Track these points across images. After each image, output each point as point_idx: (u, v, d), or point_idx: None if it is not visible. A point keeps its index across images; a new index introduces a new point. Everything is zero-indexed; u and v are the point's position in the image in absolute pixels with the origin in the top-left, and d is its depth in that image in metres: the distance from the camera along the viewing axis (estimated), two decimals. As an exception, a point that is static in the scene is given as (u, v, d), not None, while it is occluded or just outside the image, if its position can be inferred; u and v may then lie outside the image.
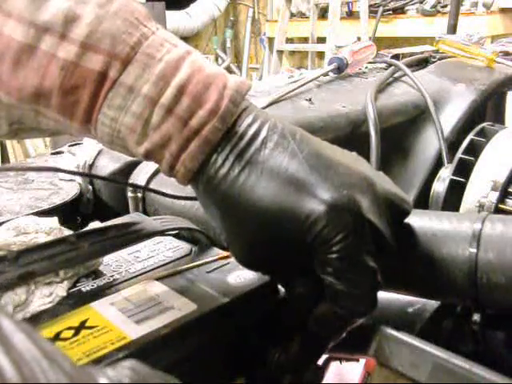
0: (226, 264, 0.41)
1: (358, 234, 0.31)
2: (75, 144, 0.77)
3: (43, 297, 0.36)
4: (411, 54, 1.12)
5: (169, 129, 0.32)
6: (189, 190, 0.45)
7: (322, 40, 3.13)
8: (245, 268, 0.36)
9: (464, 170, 0.62)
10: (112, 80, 0.32)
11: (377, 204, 0.33)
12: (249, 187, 0.32)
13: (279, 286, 0.40)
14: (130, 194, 0.60)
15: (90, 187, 0.66)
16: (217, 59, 4.43)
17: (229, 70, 4.48)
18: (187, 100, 0.32)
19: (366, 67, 1.03)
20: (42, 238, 0.39)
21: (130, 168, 0.63)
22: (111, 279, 0.40)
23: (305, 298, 0.35)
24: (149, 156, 0.34)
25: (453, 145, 0.77)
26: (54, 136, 0.39)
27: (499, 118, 1.03)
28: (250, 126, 0.33)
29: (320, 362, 0.39)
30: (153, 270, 0.41)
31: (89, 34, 0.31)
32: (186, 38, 4.47)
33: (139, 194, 0.59)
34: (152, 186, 0.58)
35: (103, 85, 0.32)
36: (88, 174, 0.66)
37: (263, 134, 0.33)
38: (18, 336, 0.16)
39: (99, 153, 0.67)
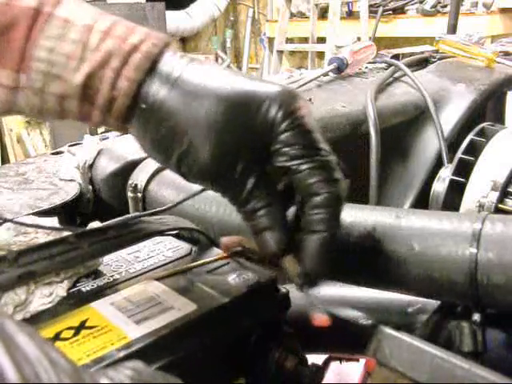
0: (225, 264, 0.41)
1: (300, 112, 0.33)
2: (75, 144, 0.77)
3: (43, 297, 0.36)
4: (411, 54, 1.12)
5: (108, 47, 0.34)
6: (185, 190, 0.45)
7: (322, 40, 3.13)
8: (208, 180, 0.35)
9: (464, 169, 0.62)
10: (47, 13, 0.33)
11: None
12: (211, 77, 0.34)
13: (279, 286, 0.40)
14: (129, 194, 0.60)
15: (90, 187, 0.66)
16: (217, 59, 4.43)
17: (229, 70, 4.47)
18: (123, 27, 0.34)
19: (366, 67, 1.03)
20: (42, 238, 0.39)
21: (130, 168, 0.63)
22: (111, 279, 0.40)
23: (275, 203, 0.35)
24: (87, 84, 0.34)
25: (453, 145, 0.77)
26: None
27: (499, 118, 1.03)
28: (182, 55, 0.36)
29: (320, 362, 0.39)
30: (153, 269, 0.41)
31: None
32: (185, 38, 4.47)
33: (139, 194, 0.59)
34: (152, 185, 0.58)
35: (38, 18, 0.33)
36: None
37: (196, 61, 0.35)
38: (20, 337, 0.16)
39: (99, 153, 0.67)
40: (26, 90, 0.34)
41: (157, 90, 0.34)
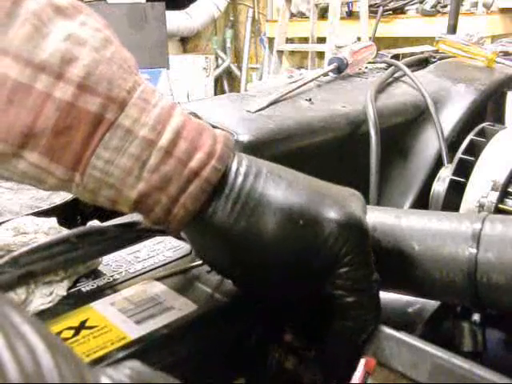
0: (225, 264, 0.41)
1: (363, 245, 0.34)
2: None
3: (43, 296, 0.36)
4: (411, 54, 1.12)
5: (168, 171, 0.33)
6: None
7: (322, 40, 3.12)
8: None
9: (464, 170, 0.62)
10: (109, 122, 0.32)
11: (364, 212, 0.36)
12: (253, 224, 0.33)
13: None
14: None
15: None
16: (217, 59, 4.43)
17: (229, 70, 4.47)
18: (185, 143, 0.33)
19: (366, 67, 1.03)
20: (41, 239, 0.39)
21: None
22: (111, 279, 0.40)
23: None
24: (141, 201, 0.33)
25: (453, 145, 0.77)
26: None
27: (499, 118, 1.03)
28: (240, 165, 0.35)
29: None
30: (153, 270, 0.41)
31: (86, 76, 0.31)
32: (186, 38, 4.47)
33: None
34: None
35: (99, 126, 0.32)
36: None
37: (254, 170, 0.34)
38: (26, 328, 0.16)
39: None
40: (80, 186, 0.34)
41: (211, 214, 0.33)
